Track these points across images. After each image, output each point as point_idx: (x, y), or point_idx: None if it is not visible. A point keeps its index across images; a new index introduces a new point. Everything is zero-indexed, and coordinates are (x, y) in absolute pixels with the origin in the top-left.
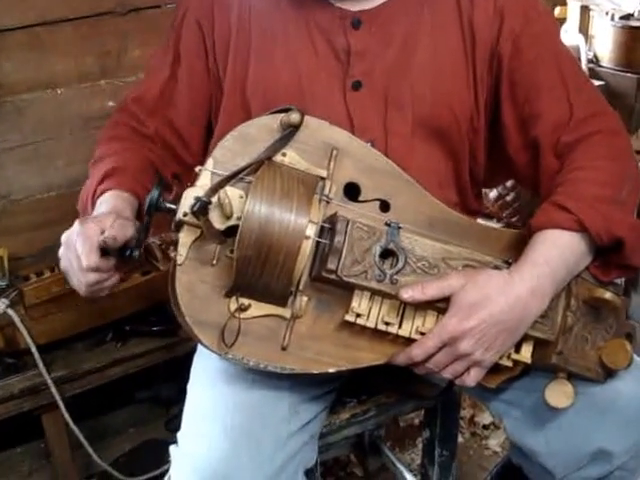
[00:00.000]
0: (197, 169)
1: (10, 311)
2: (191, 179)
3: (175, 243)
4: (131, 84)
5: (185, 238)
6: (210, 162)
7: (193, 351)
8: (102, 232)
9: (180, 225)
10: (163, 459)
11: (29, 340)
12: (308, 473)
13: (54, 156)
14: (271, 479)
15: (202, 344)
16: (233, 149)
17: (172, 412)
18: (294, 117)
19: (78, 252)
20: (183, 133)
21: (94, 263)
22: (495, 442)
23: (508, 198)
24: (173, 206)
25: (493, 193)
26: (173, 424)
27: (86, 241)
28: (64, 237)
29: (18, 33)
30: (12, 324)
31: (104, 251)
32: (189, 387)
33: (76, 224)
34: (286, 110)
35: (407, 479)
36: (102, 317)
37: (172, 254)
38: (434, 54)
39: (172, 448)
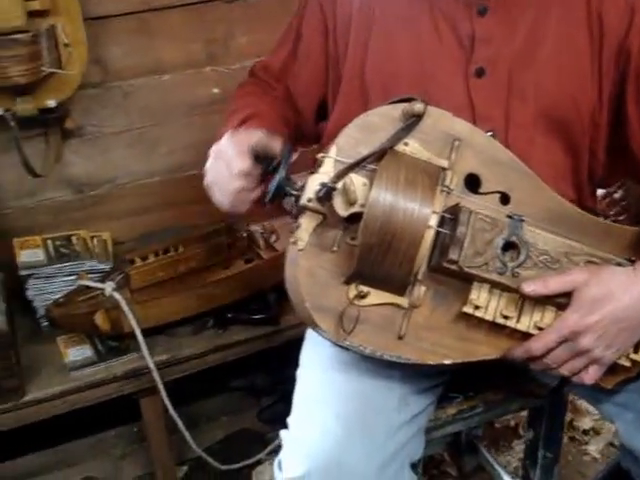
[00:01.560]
0: (319, 156)
1: (116, 294)
2: None
3: (295, 228)
4: (237, 71)
5: (307, 224)
6: (333, 149)
7: (291, 341)
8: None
9: (302, 211)
10: (255, 449)
11: (134, 323)
12: (412, 467)
13: (158, 142)
14: (381, 468)
15: (319, 330)
16: (356, 137)
17: (265, 402)
18: (418, 107)
19: (229, 158)
20: (298, 106)
21: (246, 166)
22: (594, 448)
23: (616, 195)
24: (296, 192)
25: (601, 190)
26: (265, 414)
27: (238, 146)
28: (213, 149)
29: (127, 19)
30: (117, 307)
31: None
32: (299, 373)
33: (226, 135)
34: (408, 99)
35: None
36: (204, 304)
37: (292, 239)
38: (560, 45)
39: (283, 433)
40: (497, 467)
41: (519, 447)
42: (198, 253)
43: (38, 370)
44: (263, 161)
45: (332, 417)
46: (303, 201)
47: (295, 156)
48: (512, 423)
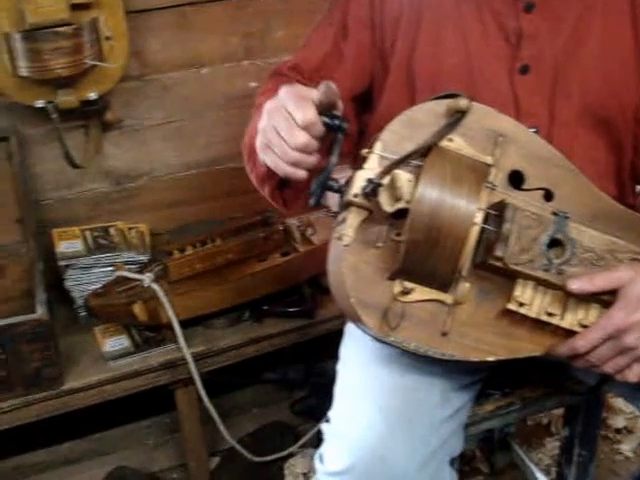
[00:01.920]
0: (364, 152)
1: (155, 285)
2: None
3: (342, 224)
4: (274, 65)
5: (352, 219)
6: (378, 145)
7: (325, 334)
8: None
9: (348, 206)
10: (287, 441)
11: (171, 314)
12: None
13: (196, 135)
14: (423, 464)
15: (363, 326)
16: (400, 133)
17: (297, 395)
18: (463, 103)
19: (290, 110)
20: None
21: (311, 116)
22: (628, 447)
23: None
24: (340, 188)
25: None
26: (298, 407)
27: (299, 97)
28: (267, 107)
29: (166, 12)
30: (155, 298)
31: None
32: (339, 368)
33: (283, 89)
34: (452, 95)
35: (538, 478)
36: (241, 296)
37: (337, 235)
38: (604, 42)
39: (324, 426)
40: (530, 464)
41: (551, 445)
42: (235, 245)
43: (76, 360)
44: (326, 115)
45: (375, 411)
46: (349, 197)
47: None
48: (544, 421)
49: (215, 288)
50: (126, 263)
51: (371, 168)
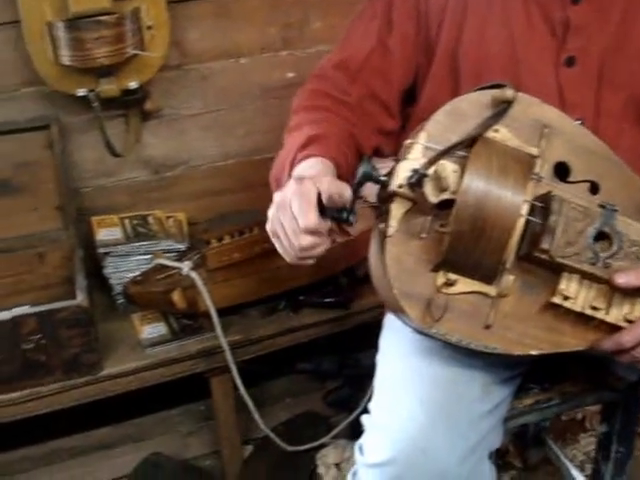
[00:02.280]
0: (407, 142)
1: (193, 274)
2: (390, 146)
3: (385, 215)
4: (312, 55)
5: (396, 210)
6: (423, 136)
7: (360, 326)
8: (319, 192)
9: (391, 197)
10: (320, 432)
11: (209, 303)
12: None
13: (234, 125)
14: (464, 458)
15: (405, 317)
16: (445, 123)
17: (330, 386)
18: (509, 93)
19: (294, 212)
20: (389, 102)
21: (312, 224)
22: None
23: None
24: (384, 178)
25: None
26: (331, 398)
27: (303, 199)
28: (277, 197)
29: (206, 2)
30: (194, 286)
31: (321, 212)
32: (379, 359)
33: (291, 183)
34: (497, 86)
35: (572, 474)
36: (278, 286)
37: (380, 226)
38: None
39: (364, 417)
40: (564, 460)
41: (585, 441)
42: None
43: (114, 346)
44: (333, 213)
45: (416, 404)
46: (393, 187)
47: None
48: (579, 416)
49: (252, 277)
50: (164, 251)
51: (415, 158)
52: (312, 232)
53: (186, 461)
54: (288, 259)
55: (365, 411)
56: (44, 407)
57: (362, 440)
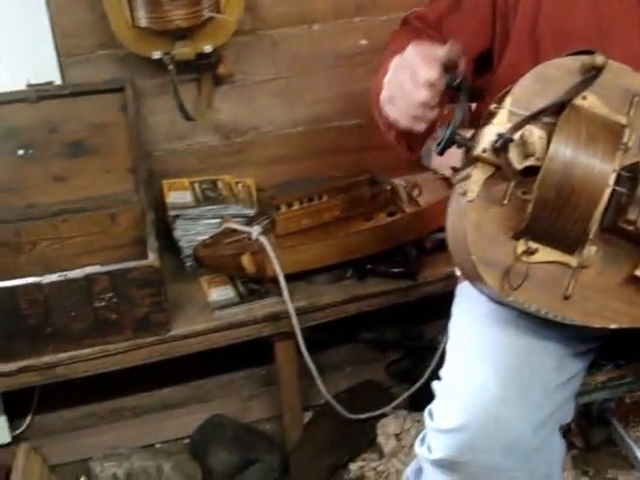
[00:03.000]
0: (492, 107)
1: (262, 238)
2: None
3: (466, 179)
4: (385, 23)
5: (478, 175)
6: (509, 100)
7: (426, 297)
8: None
9: (474, 162)
10: (380, 401)
11: (277, 268)
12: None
13: (304, 92)
14: (537, 429)
15: (482, 285)
16: (532, 88)
17: (390, 357)
18: (599, 59)
19: (415, 67)
20: None
21: (434, 75)
22: None
23: None
24: (467, 142)
25: None
26: (393, 369)
27: (425, 54)
28: (394, 62)
29: None
30: (262, 251)
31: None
32: (452, 326)
33: (409, 47)
34: (585, 52)
35: (638, 456)
36: (345, 253)
37: (460, 190)
38: None
39: (436, 384)
40: (630, 442)
41: None
42: (342, 203)
43: (182, 307)
44: (449, 73)
45: (490, 371)
46: (477, 151)
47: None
48: None
49: (320, 244)
50: (233, 216)
51: (500, 123)
52: (430, 85)
53: (246, 424)
54: (401, 121)
55: (427, 384)
56: (113, 365)
57: (433, 405)
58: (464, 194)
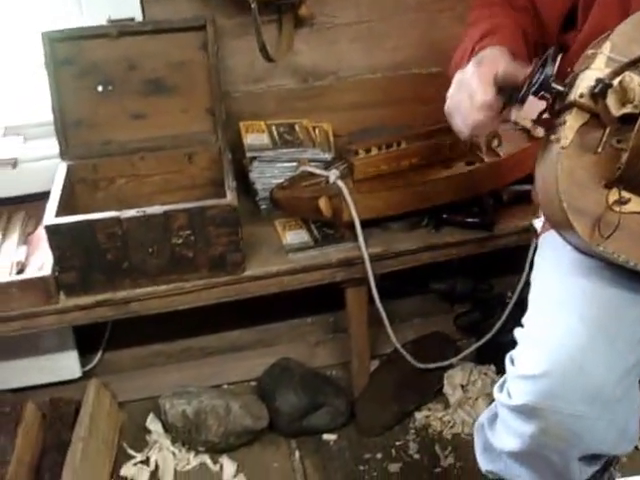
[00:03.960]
0: (589, 52)
1: (340, 182)
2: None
3: (557, 126)
4: None
5: (573, 121)
6: (607, 46)
7: (499, 251)
8: (496, 73)
9: (569, 108)
10: (447, 353)
11: (354, 213)
12: None
13: (385, 37)
14: (620, 379)
15: (570, 233)
16: (631, 35)
17: (458, 309)
18: None
19: (473, 88)
20: (543, 17)
21: (490, 98)
22: None
23: None
24: (562, 87)
25: None
26: (462, 321)
27: (483, 77)
28: (457, 77)
29: None
30: (339, 195)
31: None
32: (534, 276)
33: (470, 65)
34: None
35: None
36: (421, 201)
37: (554, 137)
38: None
39: (518, 331)
40: None
41: None
42: (421, 149)
43: (257, 249)
44: (506, 92)
45: (575, 320)
46: (574, 97)
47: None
48: None
49: (397, 191)
50: (310, 160)
51: (598, 68)
52: (487, 108)
53: (314, 369)
54: (462, 135)
55: (494, 337)
56: (187, 303)
57: (514, 352)
58: (557, 141)
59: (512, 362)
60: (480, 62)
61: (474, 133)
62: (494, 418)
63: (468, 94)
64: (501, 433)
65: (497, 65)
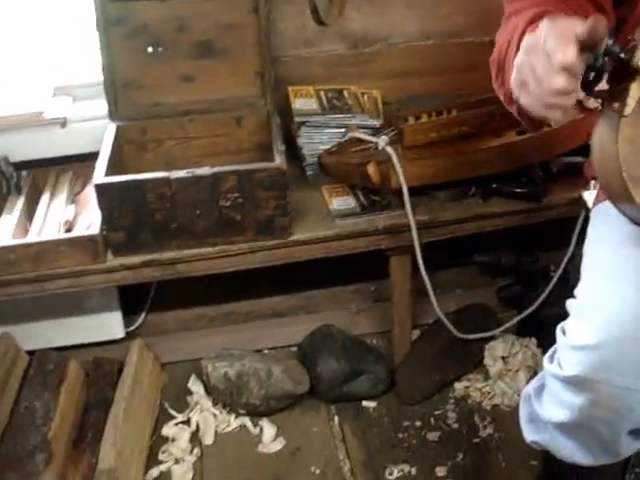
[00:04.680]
0: None
1: (389, 148)
2: None
3: (618, 95)
4: None
5: (636, 90)
6: None
7: (546, 223)
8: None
9: (632, 75)
10: (490, 324)
11: (402, 180)
12: None
13: (439, 4)
14: None
15: (629, 203)
16: None
17: (499, 282)
18: None
19: (549, 50)
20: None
21: (570, 58)
22: None
23: None
24: (625, 55)
25: None
26: (504, 293)
27: (561, 35)
28: (526, 42)
29: None
30: (388, 162)
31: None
32: (587, 248)
33: (544, 24)
34: None
35: None
36: (470, 170)
37: (614, 105)
38: None
39: (569, 302)
40: None
41: None
42: (471, 118)
43: (304, 214)
44: (589, 53)
45: (631, 291)
46: (637, 63)
47: None
48: None
49: (447, 159)
50: (358, 126)
51: None
52: (567, 70)
53: (355, 337)
54: (535, 109)
55: (536, 311)
56: (232, 265)
57: (566, 323)
58: (619, 109)
59: (564, 333)
60: (556, 20)
61: (550, 106)
62: (541, 388)
63: (544, 56)
64: (548, 404)
65: (575, 21)
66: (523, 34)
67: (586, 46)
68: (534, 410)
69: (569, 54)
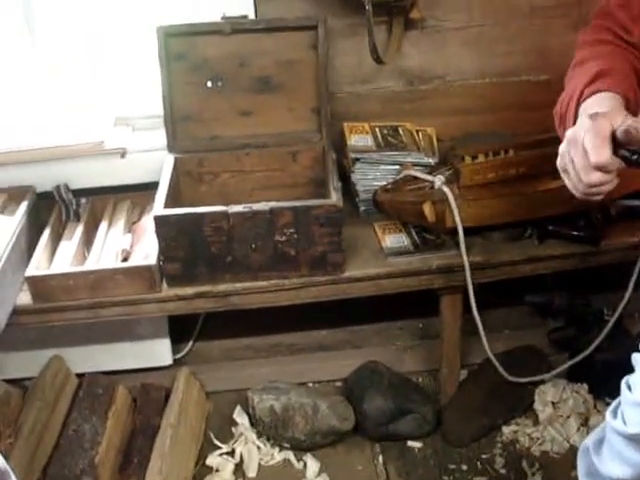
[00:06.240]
0: None
1: (445, 188)
2: None
3: None
4: None
5: None
6: None
7: (603, 266)
8: (613, 130)
9: None
10: (540, 367)
11: (458, 220)
12: None
13: (496, 42)
14: None
15: None
16: None
17: (551, 323)
18: None
19: (586, 148)
20: None
21: (604, 160)
22: None
23: None
24: None
25: None
26: (555, 335)
27: (597, 135)
28: (569, 133)
29: None
30: (443, 201)
31: (613, 150)
32: None
33: (584, 119)
34: None
35: None
36: (528, 212)
37: None
38: None
39: (636, 356)
40: None
41: None
42: (530, 159)
43: (356, 250)
44: (624, 152)
45: None
46: None
47: None
48: None
49: (504, 200)
50: (413, 164)
51: None
52: (602, 169)
53: (401, 374)
54: (577, 194)
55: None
56: (285, 300)
57: (632, 378)
58: None
59: (629, 388)
60: (595, 117)
61: (589, 195)
62: (601, 442)
63: (581, 154)
64: (608, 459)
65: (614, 120)
66: (581, 96)
67: (621, 144)
68: (593, 464)
69: (602, 156)
